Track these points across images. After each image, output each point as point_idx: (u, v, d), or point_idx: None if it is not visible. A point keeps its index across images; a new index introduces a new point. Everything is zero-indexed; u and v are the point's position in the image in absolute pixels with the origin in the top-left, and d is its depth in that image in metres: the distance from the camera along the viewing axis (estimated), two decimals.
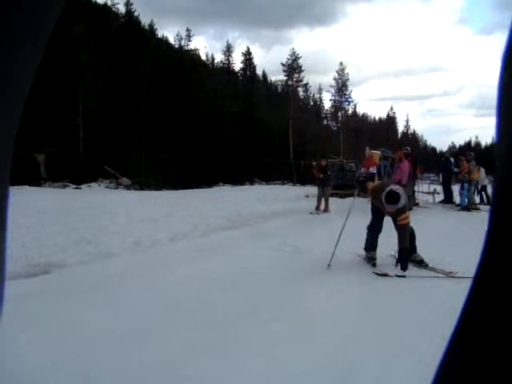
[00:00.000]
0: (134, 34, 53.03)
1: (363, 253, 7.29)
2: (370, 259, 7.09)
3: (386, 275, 6.36)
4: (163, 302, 4.69)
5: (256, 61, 70.45)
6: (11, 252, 7.19)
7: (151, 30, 62.87)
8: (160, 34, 63.91)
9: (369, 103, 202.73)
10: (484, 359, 0.39)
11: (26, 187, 25.48)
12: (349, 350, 3.58)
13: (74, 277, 6.00)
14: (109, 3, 61.49)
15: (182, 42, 64.25)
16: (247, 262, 6.79)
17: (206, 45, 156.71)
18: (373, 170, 16.76)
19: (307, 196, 19.73)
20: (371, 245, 7.15)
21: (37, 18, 0.42)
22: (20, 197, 15.73)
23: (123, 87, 40.23)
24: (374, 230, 7.19)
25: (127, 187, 33.25)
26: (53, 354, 3.25)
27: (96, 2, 54.40)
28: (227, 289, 5.18)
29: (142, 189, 32.77)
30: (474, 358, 0.40)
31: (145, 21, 59.74)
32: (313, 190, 17.96)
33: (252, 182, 46.05)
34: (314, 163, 16.42)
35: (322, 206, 14.48)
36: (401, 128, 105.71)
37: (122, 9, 57.26)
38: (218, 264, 6.65)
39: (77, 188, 30.00)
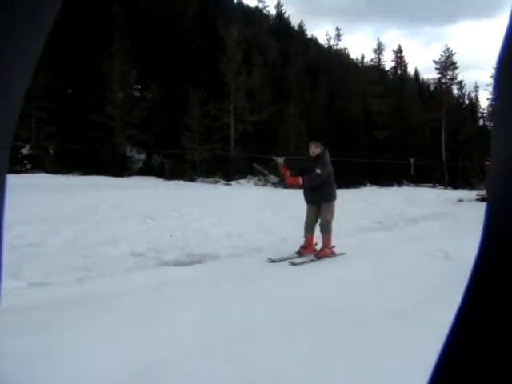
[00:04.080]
0: (283, 34, 53.99)
1: None
2: None
3: None
4: (307, 296, 4.59)
5: (408, 59, 68.18)
6: (177, 241, 7.63)
7: (300, 30, 63.63)
8: (309, 34, 64.25)
9: None
10: (481, 358, 0.39)
11: (181, 182, 27.10)
12: None
13: (224, 267, 6.13)
14: (260, 6, 63.29)
15: (331, 42, 64.20)
16: (394, 265, 6.45)
17: (356, 44, 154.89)
18: None
19: (461, 200, 18.49)
20: None
21: (34, 15, 0.41)
22: (180, 190, 16.54)
23: (273, 87, 41.05)
24: None
25: (275, 185, 33.86)
26: (202, 336, 3.30)
27: (248, 5, 56.29)
28: (372, 292, 4.91)
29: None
30: (471, 356, 0.40)
31: (294, 21, 60.43)
32: (469, 194, 16.72)
33: (400, 184, 44.61)
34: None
35: None
36: None
37: (272, 11, 58.37)
38: (364, 265, 6.41)
39: (227, 184, 31.18)
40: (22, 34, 0.40)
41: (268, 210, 13.28)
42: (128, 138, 32.33)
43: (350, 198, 19.29)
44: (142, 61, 34.70)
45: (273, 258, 6.50)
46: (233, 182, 32.36)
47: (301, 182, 6.72)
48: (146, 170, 33.54)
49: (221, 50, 37.07)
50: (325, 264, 6.29)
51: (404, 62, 65.96)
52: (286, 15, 64.19)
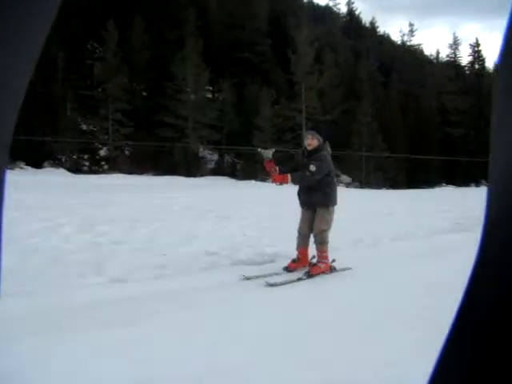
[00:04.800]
0: (355, 32, 53.35)
1: None
2: None
3: None
4: (379, 299, 4.45)
5: (487, 53, 65.49)
6: (249, 240, 7.66)
7: (372, 27, 62.65)
8: (381, 30, 63.11)
9: None
10: (481, 358, 0.39)
11: (253, 182, 27.32)
12: None
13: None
14: (330, 4, 62.79)
15: (405, 38, 62.82)
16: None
17: (430, 39, 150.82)
18: None
19: None
20: None
21: (33, 13, 0.41)
22: (251, 190, 16.67)
23: (344, 86, 40.62)
24: None
25: (347, 185, 33.59)
26: (279, 336, 3.26)
27: (318, 4, 55.99)
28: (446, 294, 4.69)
29: (361, 187, 32.72)
30: (471, 356, 0.40)
31: (366, 19, 59.62)
32: None
33: (478, 184, 42.96)
34: None
35: None
36: None
37: (343, 9, 57.83)
38: (443, 264, 6.17)
39: None
40: (22, 31, 0.40)
41: (340, 208, 13.13)
42: (200, 139, 32.87)
43: (425, 198, 18.75)
44: (214, 62, 35.19)
45: (246, 274, 5.21)
46: None
47: (289, 179, 5.45)
48: (218, 170, 34.01)
49: (292, 50, 37.02)
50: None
51: (482, 56, 63.47)
52: (357, 12, 63.47)
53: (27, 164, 26.63)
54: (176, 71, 31.86)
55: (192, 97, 32.48)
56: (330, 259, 5.62)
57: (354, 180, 35.30)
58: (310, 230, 5.66)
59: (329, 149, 5.72)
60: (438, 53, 64.47)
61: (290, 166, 5.87)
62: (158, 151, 29.75)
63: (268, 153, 5.67)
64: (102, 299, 4.13)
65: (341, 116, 38.09)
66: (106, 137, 30.57)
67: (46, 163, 27.87)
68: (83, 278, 5.02)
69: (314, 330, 3.43)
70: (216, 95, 37.65)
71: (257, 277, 5.17)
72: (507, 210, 0.39)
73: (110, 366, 2.75)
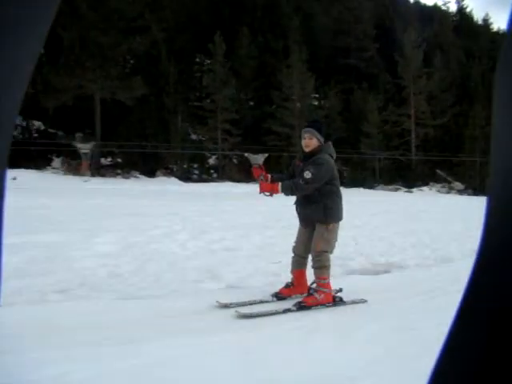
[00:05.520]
0: (466, 31, 51.07)
1: None
2: None
3: None
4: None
5: None
6: (362, 249, 7.52)
7: (485, 24, 59.62)
8: (495, 27, 59.84)
9: None
10: (481, 359, 0.39)
11: (361, 189, 26.94)
12: None
13: (411, 278, 5.92)
14: (439, 3, 60.53)
15: None
16: None
17: None
18: None
19: None
20: None
21: (34, 13, 0.42)
22: (360, 198, 16.45)
23: (455, 88, 38.92)
24: None
25: (459, 192, 32.10)
26: (392, 349, 3.10)
27: (425, 4, 54.14)
28: None
29: (475, 194, 31.14)
30: (470, 357, 0.41)
31: (478, 16, 56.83)
32: None
33: None
34: None
35: None
36: None
37: (452, 7, 55.51)
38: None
39: (408, 191, 30.20)
40: (22, 32, 0.40)
41: (456, 218, 12.58)
42: None
43: None
44: (320, 69, 35.07)
45: (221, 301, 4.32)
46: (414, 190, 31.19)
47: (279, 190, 4.50)
48: None
49: (399, 54, 36.08)
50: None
51: None
52: (468, 10, 60.73)
53: (141, 173, 27.92)
54: (282, 79, 32.11)
55: (298, 105, 32.55)
56: (337, 287, 4.60)
57: (466, 187, 33.62)
58: (308, 251, 4.64)
59: (332, 151, 4.72)
60: None
61: (289, 172, 4.92)
62: (266, 159, 29.99)
63: (257, 158, 4.84)
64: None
65: (452, 120, 36.52)
66: (215, 146, 31.30)
67: (158, 172, 29.03)
68: (200, 283, 5.14)
69: None
70: (322, 102, 37.44)
71: (237, 304, 4.30)
72: (505, 216, 0.39)
73: (232, 368, 2.78)
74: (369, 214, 12.62)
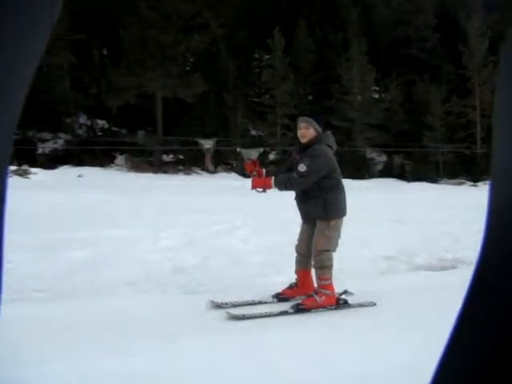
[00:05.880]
0: None
1: None
2: None
3: None
4: None
5: None
6: (427, 245, 7.34)
7: None
8: None
9: None
10: (482, 359, 0.39)
11: (424, 184, 26.31)
12: None
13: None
14: None
15: None
16: None
17: None
18: None
19: None
20: None
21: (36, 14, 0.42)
22: (423, 193, 16.09)
23: None
24: None
25: None
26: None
27: None
28: None
29: None
30: (472, 358, 0.41)
31: None
32: None
33: None
34: None
35: None
36: None
37: None
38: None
39: (473, 185, 29.32)
40: (21, 40, 0.40)
41: None
42: (368, 140, 32.36)
43: None
44: (380, 62, 34.45)
45: (215, 300, 4.11)
46: (479, 184, 30.19)
47: (272, 185, 4.22)
48: (387, 172, 33.17)
49: (463, 43, 34.90)
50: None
51: None
52: None
53: (203, 170, 28.31)
54: (342, 73, 31.78)
55: (359, 98, 32.12)
56: (342, 289, 4.33)
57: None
58: (309, 247, 4.30)
59: (331, 141, 4.37)
60: None
61: (287, 166, 4.57)
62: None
63: (249, 152, 4.57)
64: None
65: None
66: (274, 141, 31.31)
67: (219, 168, 29.35)
68: (264, 277, 5.15)
69: None
70: (383, 95, 36.78)
71: (234, 305, 4.07)
72: (508, 220, 0.39)
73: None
74: (433, 208, 12.30)
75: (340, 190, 4.31)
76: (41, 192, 13.28)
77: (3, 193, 0.43)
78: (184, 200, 13.12)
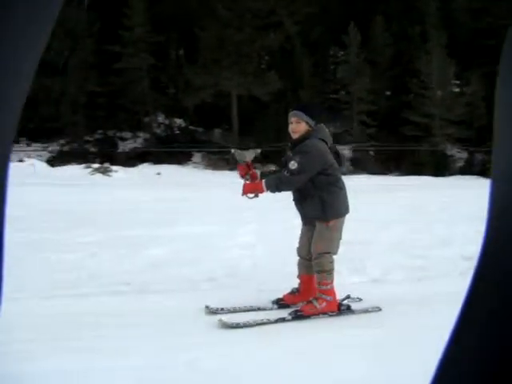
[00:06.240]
0: None
1: None
2: None
3: None
4: None
5: None
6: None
7: None
8: None
9: None
10: (483, 360, 0.39)
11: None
12: None
13: None
14: None
15: None
16: None
17: None
18: None
19: None
20: None
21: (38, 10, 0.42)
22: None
23: None
24: None
25: None
26: None
27: None
28: None
29: None
30: (472, 359, 0.41)
31: None
32: None
33: None
34: None
35: None
36: None
37: None
38: None
39: None
40: (21, 40, 0.40)
41: None
42: (448, 137, 31.30)
43: None
44: (460, 54, 33.19)
45: (211, 305, 3.95)
46: None
47: (263, 188, 3.97)
48: (467, 169, 31.95)
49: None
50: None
51: None
52: None
53: (277, 166, 28.30)
54: (420, 67, 30.87)
55: (438, 93, 31.10)
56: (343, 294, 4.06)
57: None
58: (309, 250, 4.02)
59: (325, 134, 4.06)
60: None
61: (282, 165, 4.16)
62: (403, 150, 29.21)
63: (243, 154, 4.16)
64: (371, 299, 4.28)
65: None
66: (351, 138, 30.93)
67: None
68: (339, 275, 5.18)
69: None
70: (464, 89, 35.44)
71: (230, 311, 3.92)
72: (508, 221, 0.40)
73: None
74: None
75: (339, 187, 4.03)
76: (121, 189, 13.76)
77: (3, 193, 0.43)
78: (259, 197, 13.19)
